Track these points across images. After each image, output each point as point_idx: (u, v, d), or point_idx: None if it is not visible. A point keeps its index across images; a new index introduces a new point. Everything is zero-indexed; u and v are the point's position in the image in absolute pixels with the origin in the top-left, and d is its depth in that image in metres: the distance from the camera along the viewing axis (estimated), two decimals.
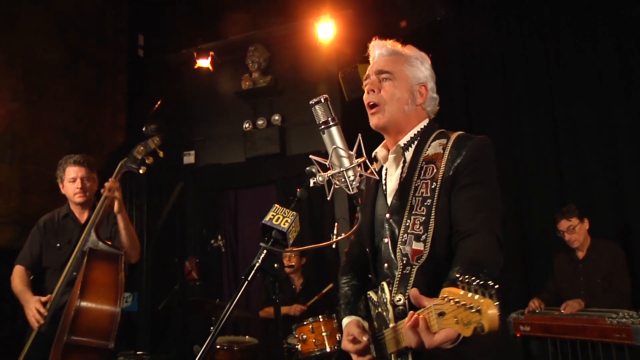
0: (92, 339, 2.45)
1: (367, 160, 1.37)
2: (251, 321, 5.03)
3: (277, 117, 5.55)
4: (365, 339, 1.47)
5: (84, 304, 2.48)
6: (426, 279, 1.34)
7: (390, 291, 1.39)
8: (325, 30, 4.96)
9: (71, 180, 2.89)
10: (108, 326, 2.50)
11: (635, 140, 4.08)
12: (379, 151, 1.65)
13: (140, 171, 2.84)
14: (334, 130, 1.37)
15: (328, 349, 3.63)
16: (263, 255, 1.28)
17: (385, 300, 1.39)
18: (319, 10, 4.94)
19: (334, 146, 1.36)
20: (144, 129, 2.88)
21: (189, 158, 5.98)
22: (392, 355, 1.31)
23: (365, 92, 1.59)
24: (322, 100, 1.38)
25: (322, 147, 1.39)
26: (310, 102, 1.40)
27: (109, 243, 2.77)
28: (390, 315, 1.35)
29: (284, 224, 1.29)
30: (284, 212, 1.32)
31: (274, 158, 5.52)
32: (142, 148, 2.85)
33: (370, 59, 1.65)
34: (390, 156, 1.58)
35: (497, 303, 0.92)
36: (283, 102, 5.66)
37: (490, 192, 1.41)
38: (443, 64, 4.62)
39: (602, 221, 4.00)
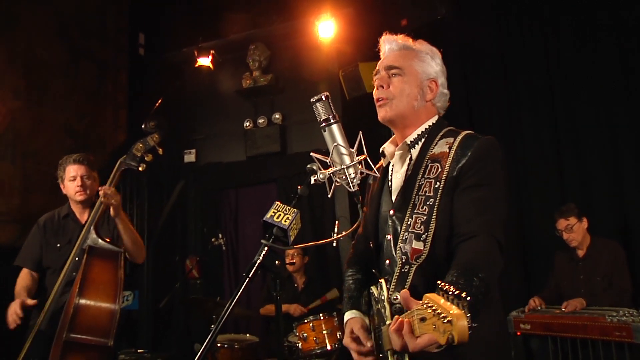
0: (92, 336, 2.45)
1: (367, 158, 1.38)
2: (252, 319, 5.04)
3: (277, 116, 5.55)
4: (369, 344, 1.46)
5: (83, 301, 2.48)
6: (425, 278, 1.34)
7: (388, 289, 1.39)
8: (326, 29, 4.96)
9: (71, 178, 2.89)
10: (107, 324, 2.50)
11: (635, 140, 4.08)
12: (387, 147, 1.64)
13: (140, 168, 2.83)
14: (335, 127, 1.38)
15: (329, 347, 3.63)
16: (264, 252, 1.28)
17: (382, 297, 1.39)
18: (320, 8, 4.95)
19: (335, 143, 1.37)
20: (143, 127, 2.88)
21: (190, 156, 5.99)
22: (389, 352, 1.32)
23: (375, 87, 1.58)
24: (323, 98, 1.38)
25: (322, 146, 1.39)
26: (312, 100, 1.40)
27: (109, 240, 2.77)
28: (387, 312, 1.34)
29: (285, 221, 1.30)
30: (285, 210, 1.33)
31: (274, 156, 5.53)
32: (141, 145, 2.84)
33: (381, 54, 1.64)
34: (397, 153, 1.57)
35: (470, 315, 0.95)
36: (284, 100, 5.66)
37: (494, 194, 1.39)
38: (443, 62, 4.61)
39: (602, 221, 4.01)
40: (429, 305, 0.98)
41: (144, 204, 5.64)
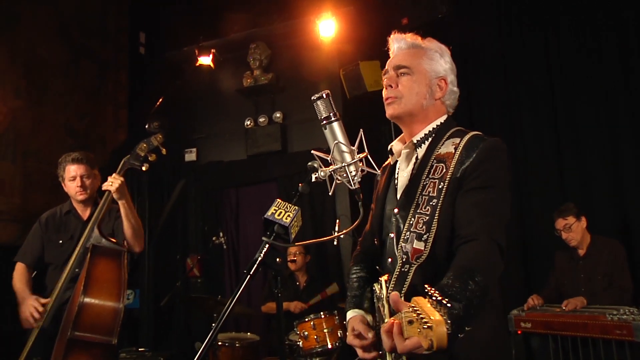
0: (96, 334, 2.46)
1: (368, 156, 1.38)
2: (253, 318, 5.04)
3: (278, 115, 5.56)
4: (370, 335, 1.46)
5: (87, 300, 2.49)
6: (424, 278, 1.34)
7: (387, 288, 1.39)
8: (327, 28, 4.95)
9: (71, 178, 2.89)
10: (111, 322, 2.51)
11: (635, 140, 4.08)
12: (395, 145, 1.63)
13: (143, 168, 2.84)
14: (336, 125, 1.38)
15: (329, 346, 3.63)
16: (265, 249, 1.29)
17: (382, 296, 1.40)
18: (320, 7, 4.95)
19: (336, 141, 1.37)
20: (146, 126, 2.89)
21: (191, 155, 5.99)
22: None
23: (384, 87, 1.57)
24: (324, 96, 1.39)
25: (323, 145, 1.40)
26: (312, 98, 1.40)
27: (113, 240, 2.78)
28: (386, 311, 1.35)
29: (286, 219, 1.30)
30: (286, 207, 1.33)
31: (275, 155, 5.53)
32: (144, 145, 2.85)
33: (390, 53, 1.63)
34: (404, 151, 1.57)
35: (450, 321, 0.98)
36: (284, 99, 5.66)
37: (497, 196, 1.38)
38: None
39: (602, 220, 4.01)
40: (415, 309, 1.00)
41: (145, 203, 5.65)
